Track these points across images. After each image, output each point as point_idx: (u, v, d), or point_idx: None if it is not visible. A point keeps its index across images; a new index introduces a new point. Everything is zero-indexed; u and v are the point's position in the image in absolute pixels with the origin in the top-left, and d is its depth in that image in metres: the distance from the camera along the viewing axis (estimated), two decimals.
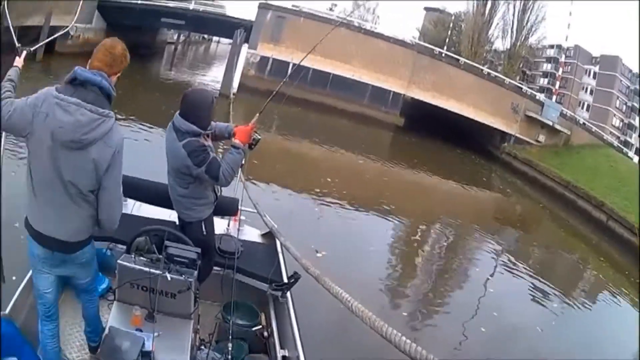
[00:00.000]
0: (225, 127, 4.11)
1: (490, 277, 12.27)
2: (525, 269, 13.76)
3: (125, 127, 13.70)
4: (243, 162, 4.01)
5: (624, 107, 59.69)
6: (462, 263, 13.12)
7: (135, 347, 3.22)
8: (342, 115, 29.12)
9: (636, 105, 58.69)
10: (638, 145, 51.80)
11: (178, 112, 3.66)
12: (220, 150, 4.02)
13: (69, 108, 2.61)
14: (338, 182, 15.25)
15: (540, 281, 12.80)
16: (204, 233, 3.97)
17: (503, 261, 14.01)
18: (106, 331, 3.35)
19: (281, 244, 4.62)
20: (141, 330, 3.37)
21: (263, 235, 5.34)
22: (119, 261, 3.36)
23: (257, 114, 3.99)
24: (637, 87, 59.33)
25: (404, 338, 1.99)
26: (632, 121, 59.69)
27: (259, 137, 3.96)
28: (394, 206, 14.90)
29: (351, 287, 7.70)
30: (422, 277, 11.13)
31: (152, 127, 15.03)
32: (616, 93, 58.50)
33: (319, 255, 8.63)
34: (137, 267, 3.33)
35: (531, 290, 12.03)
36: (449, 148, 30.72)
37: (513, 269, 13.41)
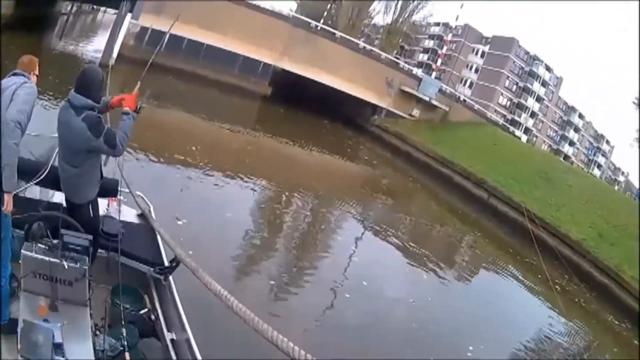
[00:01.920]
0: (103, 100, 4.18)
1: (356, 247, 12.34)
2: (397, 240, 13.92)
3: None
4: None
5: (515, 87, 62.08)
6: (326, 232, 13.24)
7: (48, 341, 3.27)
8: (212, 85, 29.22)
9: (529, 86, 61.15)
10: None
11: (73, 89, 3.82)
12: None
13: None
14: (203, 151, 15.32)
15: (414, 254, 13.01)
16: (91, 215, 4.08)
17: (372, 232, 14.18)
18: (20, 324, 3.35)
19: (156, 227, 4.79)
20: (47, 321, 3.43)
21: (140, 216, 5.39)
22: (23, 251, 3.44)
23: (139, 82, 4.22)
24: (532, 69, 61.93)
25: (290, 344, 2.12)
26: (522, 101, 62.21)
27: (142, 104, 4.22)
28: (257, 175, 15.00)
29: (210, 255, 7.44)
30: (284, 245, 11.19)
31: (48, 98, 14.47)
32: (507, 73, 60.66)
33: (179, 223, 8.66)
34: (39, 256, 3.43)
35: (404, 262, 12.26)
36: (317, 119, 31.17)
37: (382, 239, 13.60)
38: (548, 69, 65.13)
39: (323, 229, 13.57)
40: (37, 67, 3.95)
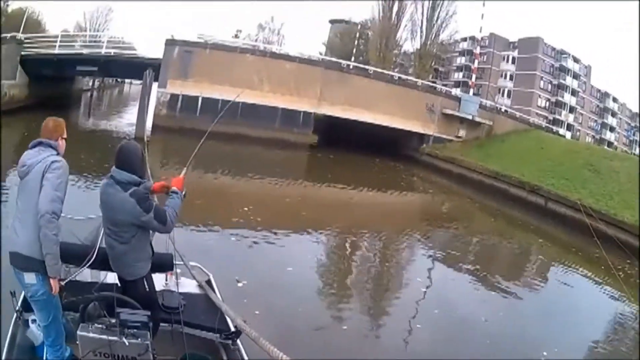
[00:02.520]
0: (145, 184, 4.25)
1: (424, 278, 12.09)
2: (463, 263, 13.73)
3: None
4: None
5: (550, 86, 61.05)
6: (393, 269, 12.99)
7: None
8: (255, 142, 28.66)
9: (563, 81, 59.95)
10: None
11: (114, 166, 3.85)
12: None
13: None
14: (255, 210, 14.89)
15: (481, 272, 12.77)
16: (147, 289, 4.10)
17: (439, 259, 13.89)
18: None
19: (214, 300, 4.83)
20: None
21: (200, 286, 5.44)
22: (79, 332, 3.55)
23: (185, 168, 4.43)
24: (562, 64, 60.72)
25: None
26: (559, 98, 61.05)
27: (186, 192, 4.35)
28: (314, 225, 14.71)
29: (275, 310, 7.66)
30: (351, 288, 10.94)
31: (86, 177, 14.21)
32: (539, 74, 59.86)
33: (240, 285, 8.65)
34: (97, 336, 3.53)
35: (473, 283, 11.98)
36: (367, 158, 30.63)
37: (451, 265, 13.35)
38: (576, 60, 64.14)
39: (389, 266, 13.24)
40: (65, 130, 3.93)
